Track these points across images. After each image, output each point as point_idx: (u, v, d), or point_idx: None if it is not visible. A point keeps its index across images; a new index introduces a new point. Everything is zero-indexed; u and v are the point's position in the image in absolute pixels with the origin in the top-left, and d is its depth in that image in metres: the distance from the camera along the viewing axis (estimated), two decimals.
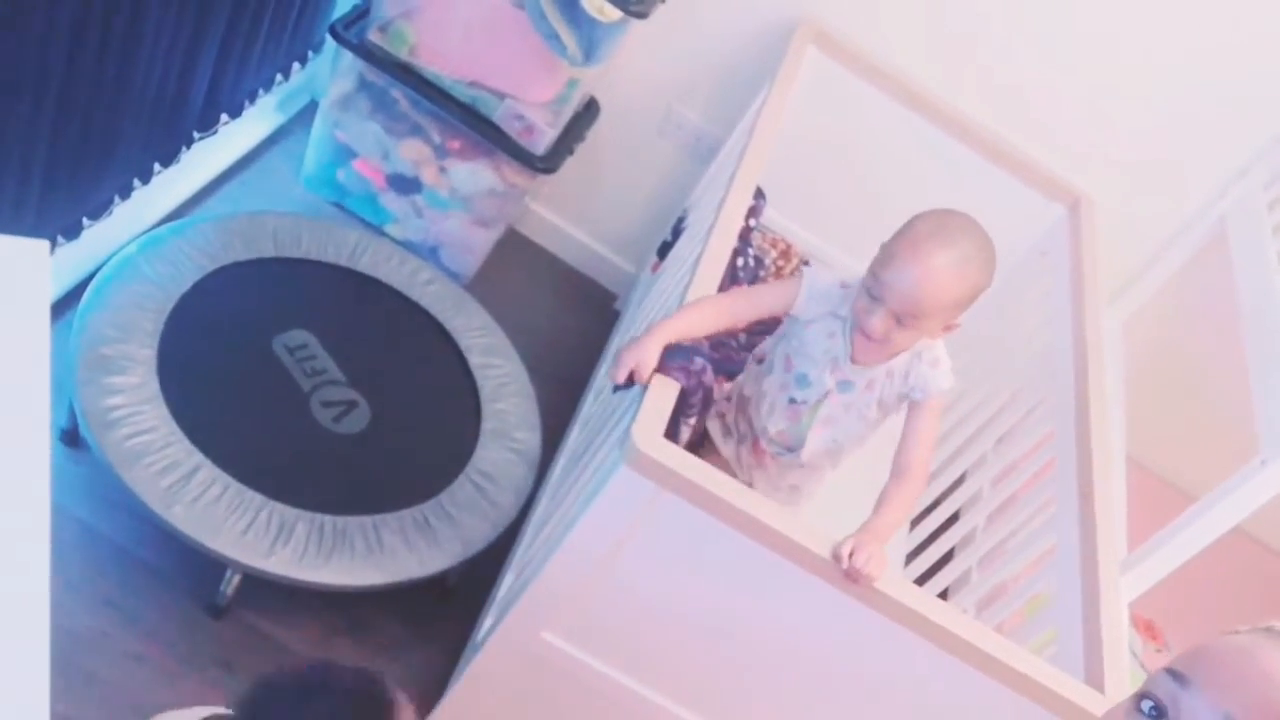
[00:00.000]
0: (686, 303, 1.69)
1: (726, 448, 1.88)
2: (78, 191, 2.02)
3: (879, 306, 1.57)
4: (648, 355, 1.57)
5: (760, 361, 1.85)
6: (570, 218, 3.00)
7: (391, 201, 2.69)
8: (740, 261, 2.46)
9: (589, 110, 2.72)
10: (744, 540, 1.42)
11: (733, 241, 1.93)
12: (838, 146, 2.65)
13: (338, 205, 2.74)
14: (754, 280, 2.53)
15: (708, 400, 1.76)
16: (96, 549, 1.94)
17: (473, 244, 2.71)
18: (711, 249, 1.83)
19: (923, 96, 2.53)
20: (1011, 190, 2.57)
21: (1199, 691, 0.72)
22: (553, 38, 2.36)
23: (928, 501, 2.49)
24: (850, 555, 1.39)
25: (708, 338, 1.70)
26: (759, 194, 2.63)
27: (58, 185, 1.95)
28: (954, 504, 2.42)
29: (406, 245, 2.66)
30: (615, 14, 2.26)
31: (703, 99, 2.73)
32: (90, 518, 1.96)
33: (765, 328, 2.03)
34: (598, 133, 2.76)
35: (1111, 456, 1.95)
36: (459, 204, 2.64)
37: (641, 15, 2.28)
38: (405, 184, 2.66)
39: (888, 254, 1.57)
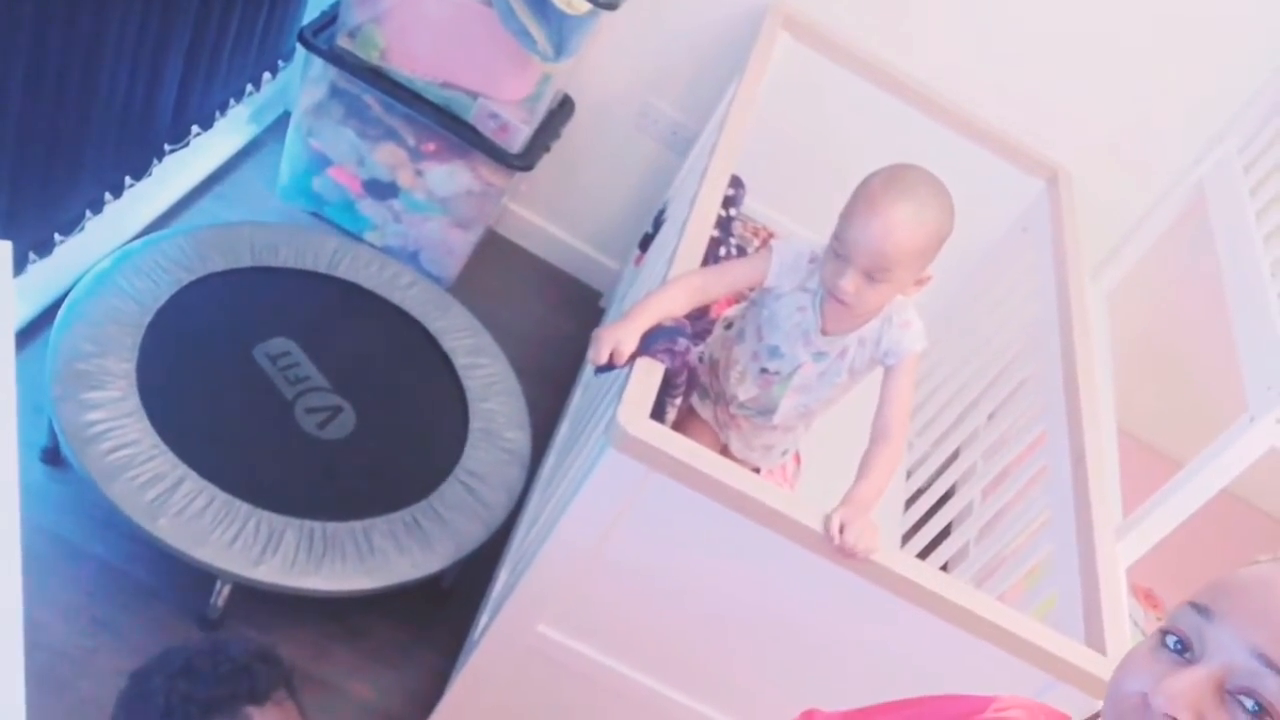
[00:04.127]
0: (660, 286, 1.68)
1: (704, 409, 1.88)
2: (47, 207, 2.00)
3: (847, 266, 1.57)
4: (626, 336, 1.56)
5: (729, 327, 1.85)
6: (550, 217, 2.98)
7: (369, 208, 2.68)
8: (722, 251, 2.45)
9: (563, 107, 2.71)
10: (736, 518, 1.41)
11: (709, 230, 1.92)
12: (815, 131, 2.65)
13: (315, 214, 2.72)
14: None
15: (693, 380, 1.75)
16: (83, 567, 1.91)
17: (453, 246, 2.69)
18: (687, 240, 1.81)
19: (897, 77, 2.52)
20: (990, 167, 2.56)
21: (1223, 623, 0.71)
22: (523, 34, 2.35)
23: (923, 480, 2.48)
24: (841, 531, 1.38)
25: (686, 316, 1.69)
26: (738, 183, 2.62)
27: (26, 201, 1.93)
28: (949, 479, 2.42)
29: (386, 251, 2.65)
30: (584, 6, 2.25)
31: (677, 90, 2.72)
32: (75, 536, 1.94)
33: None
34: (574, 130, 2.75)
35: (1101, 425, 1.94)
36: (437, 206, 2.63)
37: (610, 7, 2.27)
38: (382, 189, 2.64)
39: (848, 214, 1.58)
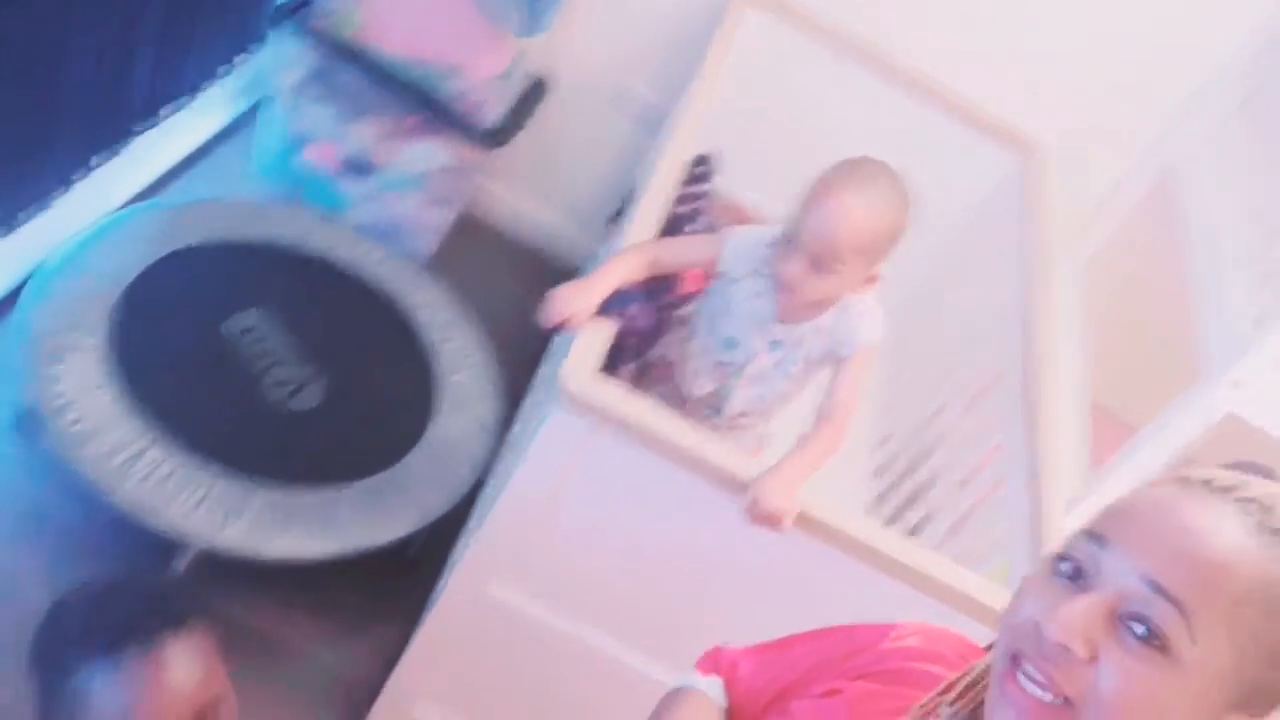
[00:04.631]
0: (615, 253, 1.69)
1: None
2: (16, 183, 2.02)
3: (795, 253, 1.57)
4: (582, 306, 1.56)
5: (684, 325, 1.85)
6: (527, 197, 3.00)
7: (346, 186, 2.69)
8: (687, 229, 2.45)
9: (538, 87, 2.72)
10: (680, 472, 1.42)
11: (663, 207, 1.91)
12: (790, 109, 2.66)
13: (292, 194, 2.73)
14: None
15: (643, 344, 1.76)
16: (48, 536, 1.92)
17: (429, 224, 2.70)
18: (640, 216, 1.80)
19: (870, 53, 2.53)
20: (965, 141, 2.57)
21: (1117, 550, 0.71)
22: (496, 8, 2.37)
23: (892, 450, 2.49)
24: (753, 506, 1.39)
25: (639, 286, 1.70)
26: (705, 161, 2.63)
27: None
28: (916, 452, 2.42)
29: (363, 229, 2.66)
30: None
31: (651, 70, 2.73)
32: (42, 505, 1.95)
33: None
34: (549, 110, 2.76)
35: (1059, 399, 1.95)
36: (412, 184, 2.64)
37: None
38: (358, 167, 2.65)
39: (802, 201, 1.58)
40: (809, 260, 1.56)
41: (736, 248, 1.69)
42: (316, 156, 2.67)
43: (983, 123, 2.56)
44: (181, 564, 1.91)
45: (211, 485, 1.89)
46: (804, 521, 1.40)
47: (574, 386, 1.39)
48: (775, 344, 1.70)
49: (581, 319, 1.55)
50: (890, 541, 1.44)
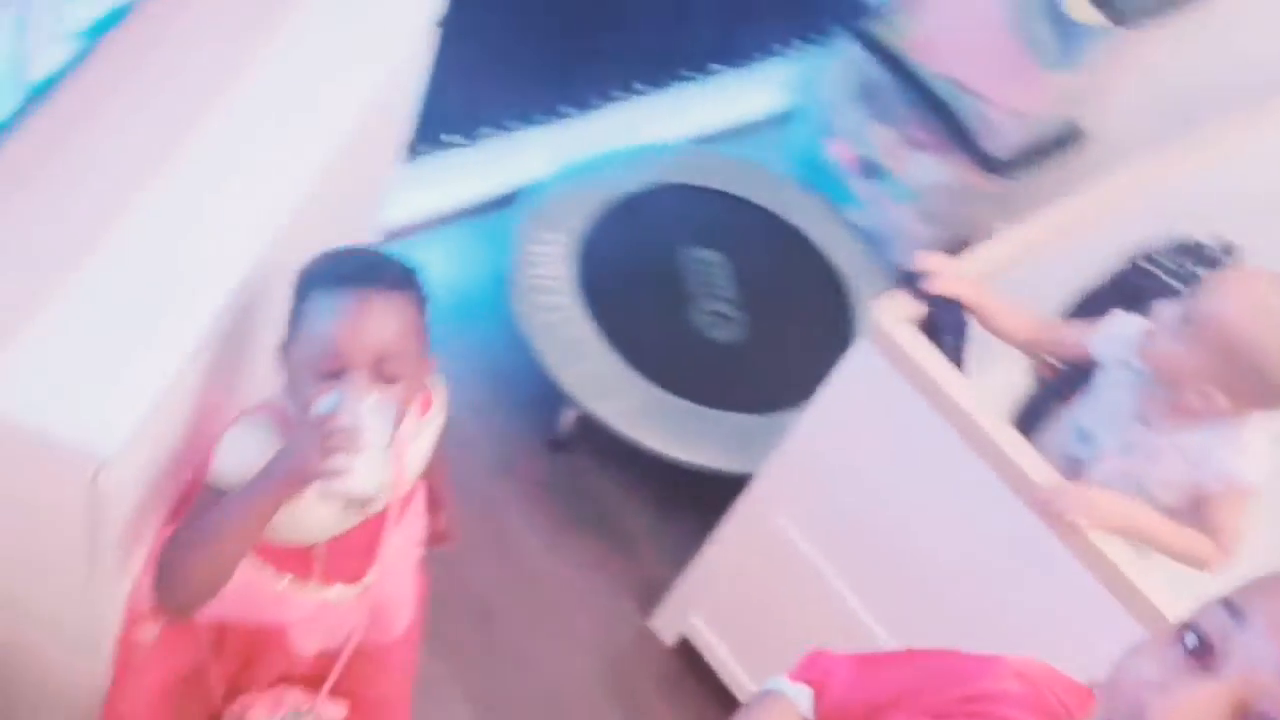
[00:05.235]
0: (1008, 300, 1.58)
1: None
2: (563, 81, 2.42)
3: (1174, 331, 1.39)
4: (953, 284, 1.50)
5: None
6: None
7: (857, 185, 2.82)
8: (1155, 300, 2.24)
9: (1071, 132, 2.65)
10: (970, 453, 1.37)
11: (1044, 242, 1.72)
12: None
13: (811, 181, 2.91)
14: None
15: None
16: (474, 366, 2.27)
17: (917, 237, 2.75)
18: (980, 250, 1.65)
19: None
20: None
21: (1256, 628, 0.58)
22: (1035, 41, 2.37)
23: None
24: (1052, 492, 1.29)
25: (1007, 337, 1.59)
26: (1227, 249, 2.38)
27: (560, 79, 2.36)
28: None
29: (859, 230, 2.77)
30: (1091, 14, 2.21)
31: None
32: (483, 339, 2.31)
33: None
34: (1081, 160, 2.67)
35: None
36: (911, 196, 2.71)
37: (1121, 22, 2.21)
38: (870, 169, 2.78)
39: (1211, 279, 1.42)
40: (1186, 345, 1.37)
41: (1109, 333, 1.54)
42: (838, 152, 2.84)
43: None
44: (567, 418, 2.18)
45: (611, 364, 2.15)
46: (1082, 545, 1.28)
47: (884, 322, 1.41)
48: (1128, 446, 1.50)
49: (939, 287, 1.51)
50: (1164, 597, 1.27)
